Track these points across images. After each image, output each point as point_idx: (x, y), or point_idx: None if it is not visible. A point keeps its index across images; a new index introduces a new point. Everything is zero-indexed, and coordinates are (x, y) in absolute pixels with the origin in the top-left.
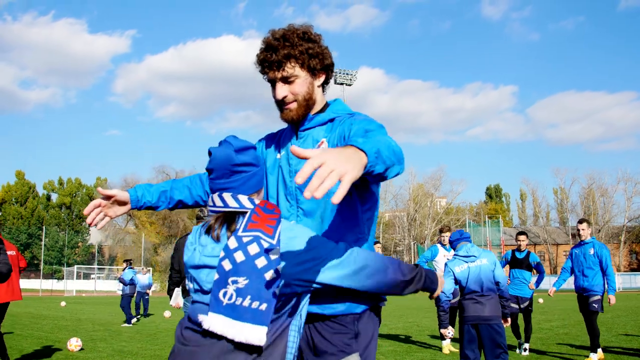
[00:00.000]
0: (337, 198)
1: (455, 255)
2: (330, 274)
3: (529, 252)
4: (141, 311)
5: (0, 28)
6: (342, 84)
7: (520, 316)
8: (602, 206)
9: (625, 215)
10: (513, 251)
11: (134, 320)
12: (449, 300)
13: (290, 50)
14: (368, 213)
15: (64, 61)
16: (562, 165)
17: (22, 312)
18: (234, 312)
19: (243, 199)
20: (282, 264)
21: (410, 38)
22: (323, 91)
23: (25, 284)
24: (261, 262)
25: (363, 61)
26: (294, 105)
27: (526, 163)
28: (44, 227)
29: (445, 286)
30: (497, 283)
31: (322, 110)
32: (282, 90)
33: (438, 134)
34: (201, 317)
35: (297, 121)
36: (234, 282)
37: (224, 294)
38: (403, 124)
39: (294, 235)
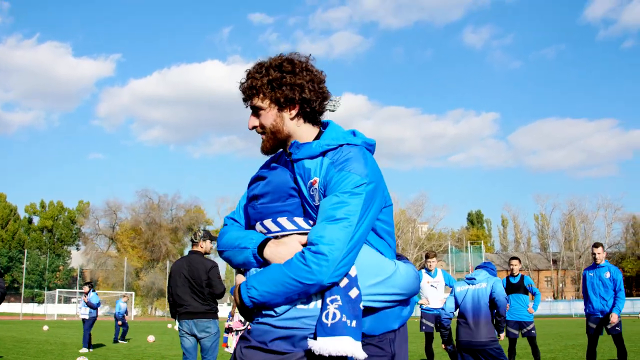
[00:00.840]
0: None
1: (465, 277)
2: (391, 289)
3: (522, 276)
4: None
5: None
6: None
7: (522, 341)
8: (583, 232)
9: (605, 241)
10: (507, 277)
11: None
12: (449, 319)
13: (254, 81)
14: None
15: (48, 84)
16: (543, 191)
17: (5, 335)
18: (339, 330)
19: (300, 221)
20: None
21: (394, 65)
22: (315, 120)
23: (5, 307)
24: (343, 281)
25: (346, 87)
26: (264, 137)
27: (507, 189)
28: (25, 251)
29: (447, 304)
30: (492, 299)
31: (318, 137)
32: (251, 120)
33: (420, 160)
34: (310, 343)
35: (267, 153)
36: (333, 301)
37: (327, 315)
38: (386, 150)
39: (360, 254)
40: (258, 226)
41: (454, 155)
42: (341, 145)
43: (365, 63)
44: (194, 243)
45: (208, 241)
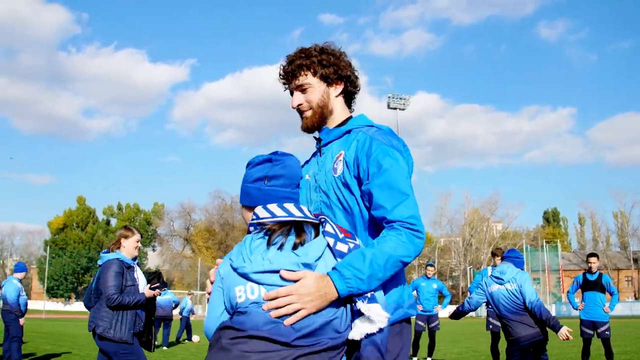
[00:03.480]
0: (287, 322)
1: (491, 275)
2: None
3: (601, 274)
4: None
5: (65, 59)
6: (395, 108)
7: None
8: None
9: None
10: (584, 274)
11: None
12: (469, 305)
13: (304, 60)
14: None
15: (126, 91)
16: (622, 188)
17: (81, 333)
18: (376, 298)
19: (305, 209)
20: None
21: (466, 62)
22: (349, 105)
23: (83, 307)
24: None
25: (418, 86)
26: (309, 113)
27: (584, 186)
28: None
29: (474, 296)
30: (524, 302)
31: (344, 123)
32: (298, 98)
33: (494, 158)
34: (359, 305)
35: (312, 129)
36: None
37: None
38: (459, 148)
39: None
40: (260, 210)
41: (529, 152)
42: (368, 126)
43: (437, 61)
44: None
45: None
